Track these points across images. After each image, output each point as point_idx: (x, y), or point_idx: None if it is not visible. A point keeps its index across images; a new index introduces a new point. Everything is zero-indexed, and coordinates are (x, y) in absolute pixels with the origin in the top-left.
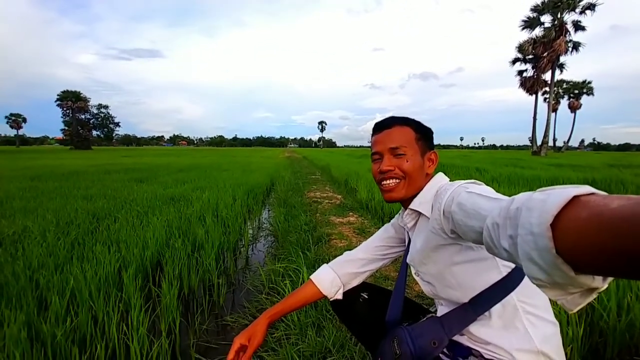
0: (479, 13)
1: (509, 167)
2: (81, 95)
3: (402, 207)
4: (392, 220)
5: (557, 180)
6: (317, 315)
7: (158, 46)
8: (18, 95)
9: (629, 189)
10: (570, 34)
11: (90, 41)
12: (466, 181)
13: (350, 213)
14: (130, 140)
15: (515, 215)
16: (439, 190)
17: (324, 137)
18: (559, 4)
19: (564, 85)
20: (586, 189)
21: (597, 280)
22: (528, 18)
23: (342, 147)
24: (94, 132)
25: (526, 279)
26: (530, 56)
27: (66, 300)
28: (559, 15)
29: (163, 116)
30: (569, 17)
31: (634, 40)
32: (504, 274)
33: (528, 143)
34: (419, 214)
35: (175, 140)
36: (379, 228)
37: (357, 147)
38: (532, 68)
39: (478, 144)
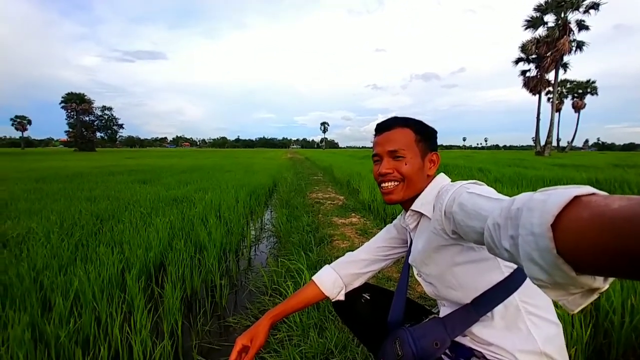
0: (481, 13)
1: (512, 167)
2: (85, 97)
3: (403, 209)
4: (394, 221)
5: (561, 180)
6: (319, 317)
7: (160, 48)
8: (22, 96)
9: (634, 190)
10: (574, 34)
11: (93, 43)
12: (467, 182)
13: (353, 214)
14: (133, 142)
15: (516, 216)
16: (440, 191)
17: (326, 138)
18: (563, 3)
19: (568, 85)
20: (587, 189)
21: (598, 281)
22: (531, 18)
23: (344, 147)
24: (98, 134)
25: (528, 280)
26: (534, 56)
27: (70, 302)
28: (562, 15)
29: (166, 117)
30: (572, 17)
31: (637, 39)
32: (506, 274)
33: (531, 143)
34: (421, 214)
35: (178, 141)
36: (381, 229)
37: (359, 147)
38: (536, 68)
39: (481, 144)
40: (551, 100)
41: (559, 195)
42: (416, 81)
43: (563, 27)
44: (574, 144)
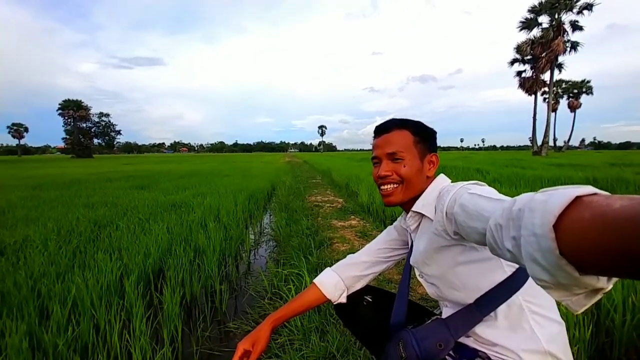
0: (476, 15)
1: (510, 167)
2: (82, 104)
3: (404, 210)
4: (394, 223)
5: (558, 179)
6: (320, 320)
7: (159, 54)
8: (20, 104)
9: (631, 188)
10: (568, 34)
11: (91, 50)
12: (468, 182)
13: (352, 216)
14: (131, 148)
15: (517, 216)
16: (441, 192)
17: (324, 141)
18: (557, 4)
19: (563, 85)
20: (588, 189)
21: (602, 281)
22: (526, 19)
23: (342, 150)
24: (95, 141)
25: (531, 279)
26: (529, 57)
27: (68, 309)
28: (556, 16)
29: (164, 123)
30: (566, 17)
31: (632, 38)
32: (509, 273)
33: (528, 143)
34: (422, 216)
35: (176, 147)
36: (381, 231)
37: (357, 150)
38: (531, 68)
39: (478, 145)
40: (547, 100)
41: (560, 196)
42: (413, 83)
43: (557, 28)
44: (570, 144)
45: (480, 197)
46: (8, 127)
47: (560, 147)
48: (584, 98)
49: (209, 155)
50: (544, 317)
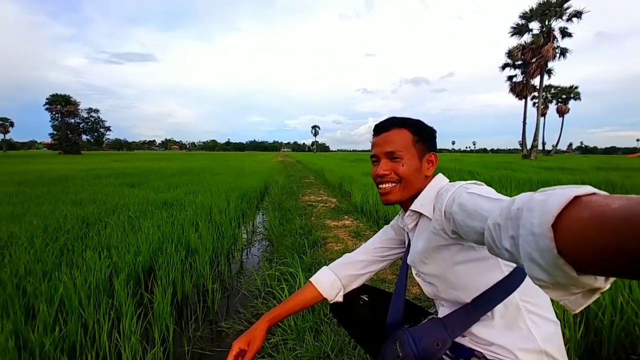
0: (469, 19)
1: (501, 170)
2: (71, 99)
3: (402, 209)
4: (391, 222)
5: (548, 182)
6: (314, 320)
7: (150, 50)
8: (5, 98)
9: (618, 192)
10: (557, 41)
11: (80, 44)
12: (467, 182)
13: (346, 216)
14: (121, 145)
15: (516, 216)
16: (439, 191)
17: (318, 141)
18: (547, 11)
19: (552, 90)
20: (587, 189)
21: (600, 281)
22: (517, 25)
23: (335, 151)
24: (84, 137)
25: (528, 278)
26: (520, 62)
27: (55, 309)
28: (546, 22)
29: (155, 120)
30: (556, 24)
31: (618, 46)
32: (506, 273)
33: (518, 147)
34: (420, 215)
35: (167, 144)
36: (375, 231)
37: (350, 151)
38: (522, 73)
39: (470, 147)
40: (536, 105)
41: (559, 195)
42: (406, 85)
43: (547, 34)
44: (558, 148)
45: (479, 196)
46: None
47: (549, 151)
48: (572, 103)
49: (201, 153)
50: (540, 317)
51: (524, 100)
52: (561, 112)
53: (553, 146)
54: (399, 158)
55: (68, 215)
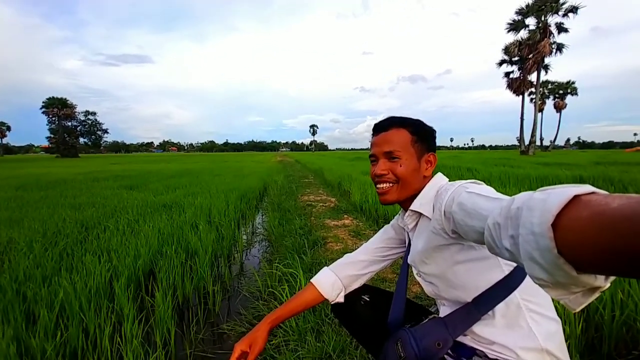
0: (465, 16)
1: (499, 166)
2: (67, 102)
3: (402, 209)
4: (391, 222)
5: (546, 178)
6: (316, 320)
7: (147, 52)
8: (1, 102)
9: (616, 186)
10: (554, 36)
11: (76, 47)
12: (466, 181)
13: (345, 216)
14: (119, 147)
15: (516, 215)
16: (439, 191)
17: (316, 141)
18: (543, 7)
19: (549, 86)
20: (587, 188)
21: (600, 280)
22: (513, 21)
23: (334, 150)
24: (81, 140)
25: (529, 277)
26: (516, 58)
27: (55, 314)
28: (543, 18)
29: (153, 122)
30: (552, 20)
31: (614, 41)
32: (507, 272)
33: (516, 143)
34: (420, 215)
35: (165, 146)
36: (374, 231)
37: (349, 149)
38: (519, 69)
39: (468, 144)
40: (534, 100)
41: (558, 195)
42: (403, 83)
43: (543, 30)
44: (556, 143)
45: (478, 195)
46: None
47: (547, 147)
48: (569, 99)
49: (199, 154)
50: (541, 315)
51: (521, 97)
52: (558, 108)
53: (551, 142)
54: (397, 158)
55: (67, 219)
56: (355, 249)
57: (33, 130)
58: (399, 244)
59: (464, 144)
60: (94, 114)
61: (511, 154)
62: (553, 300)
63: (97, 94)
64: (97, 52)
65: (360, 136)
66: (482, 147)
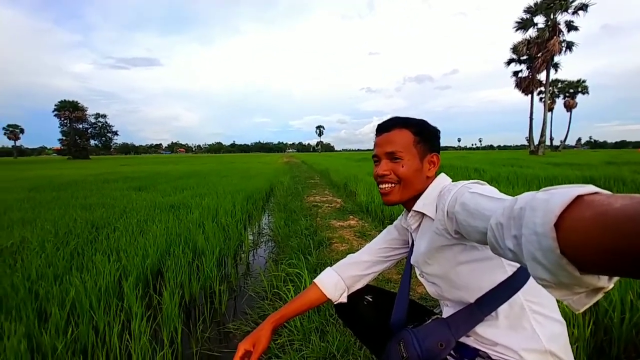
0: (472, 15)
1: (507, 167)
2: (79, 105)
3: (405, 209)
4: (394, 222)
5: (556, 178)
6: (320, 320)
7: (155, 54)
8: (15, 106)
9: (629, 187)
10: (563, 34)
11: (86, 50)
12: (469, 181)
13: (351, 216)
14: (128, 149)
15: (519, 215)
16: (442, 191)
17: (322, 142)
18: (552, 4)
19: (559, 85)
20: (590, 188)
21: (603, 280)
22: (522, 19)
23: (340, 150)
24: (92, 142)
25: (532, 278)
26: (525, 57)
27: (66, 311)
28: (552, 16)
29: (161, 124)
30: (561, 18)
31: (625, 39)
32: (510, 273)
33: (525, 143)
34: (423, 215)
35: (173, 147)
36: (380, 231)
37: (355, 150)
38: (527, 68)
39: (475, 144)
40: (543, 100)
41: (561, 195)
42: (410, 83)
43: (553, 28)
44: (566, 143)
45: (481, 196)
46: (3, 128)
47: (557, 147)
48: (579, 97)
49: (206, 155)
50: (545, 317)
51: (530, 96)
52: (569, 107)
53: (561, 141)
54: (399, 159)
55: (78, 219)
56: (359, 251)
57: (45, 133)
58: (402, 245)
59: (472, 144)
60: (104, 116)
61: (520, 154)
62: (558, 302)
63: (107, 96)
64: (107, 56)
65: (367, 137)
66: (491, 147)
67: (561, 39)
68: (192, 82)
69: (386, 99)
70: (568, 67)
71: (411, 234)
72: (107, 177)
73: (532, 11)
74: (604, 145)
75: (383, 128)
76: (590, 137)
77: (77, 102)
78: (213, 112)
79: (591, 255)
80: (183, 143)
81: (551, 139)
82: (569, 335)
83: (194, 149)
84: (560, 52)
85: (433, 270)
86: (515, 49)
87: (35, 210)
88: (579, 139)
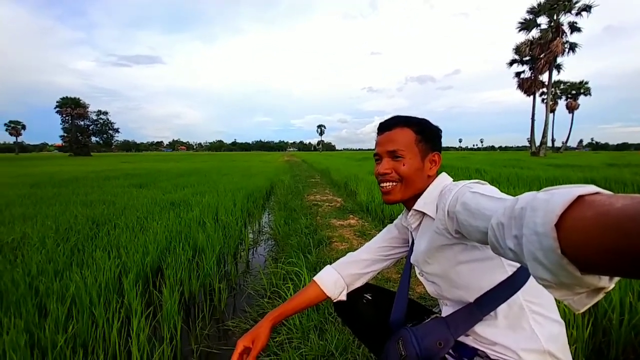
0: (474, 16)
1: (509, 167)
2: (80, 101)
3: (405, 208)
4: (395, 221)
5: (557, 180)
6: (319, 319)
7: (157, 52)
8: (17, 102)
9: (629, 188)
10: (566, 35)
11: (89, 48)
12: (470, 181)
13: (351, 216)
14: (129, 146)
15: (519, 215)
16: (443, 191)
17: (323, 141)
18: (555, 5)
19: (562, 86)
20: (591, 188)
21: (604, 280)
22: (524, 20)
23: (341, 150)
24: (93, 139)
25: (532, 278)
26: (527, 57)
27: (66, 307)
28: (555, 17)
29: (163, 121)
30: (565, 19)
31: (627, 40)
32: (510, 273)
33: (527, 144)
34: (423, 214)
35: (174, 145)
36: (380, 230)
37: (356, 150)
38: (530, 69)
39: (477, 145)
40: (545, 101)
41: (562, 195)
42: (411, 83)
43: (556, 29)
44: (568, 144)
45: (482, 195)
46: (5, 124)
47: (559, 148)
48: (581, 99)
49: (207, 154)
50: (544, 317)
51: (532, 97)
52: (571, 108)
53: (563, 143)
54: (400, 157)
55: (78, 216)
56: (359, 249)
57: (47, 130)
58: (402, 244)
59: (473, 145)
60: (105, 113)
61: (521, 155)
62: (558, 303)
63: (109, 94)
64: (110, 53)
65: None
66: (492, 148)
67: (564, 40)
68: (193, 80)
69: (388, 98)
70: (571, 69)
71: (411, 232)
72: (108, 174)
73: (535, 12)
74: (605, 147)
75: (385, 127)
76: (592, 139)
77: (78, 99)
78: (214, 111)
79: (592, 255)
80: (184, 141)
81: (553, 141)
82: (567, 336)
83: (195, 147)
84: (563, 53)
85: (433, 270)
86: (517, 50)
87: (36, 206)
88: (581, 141)
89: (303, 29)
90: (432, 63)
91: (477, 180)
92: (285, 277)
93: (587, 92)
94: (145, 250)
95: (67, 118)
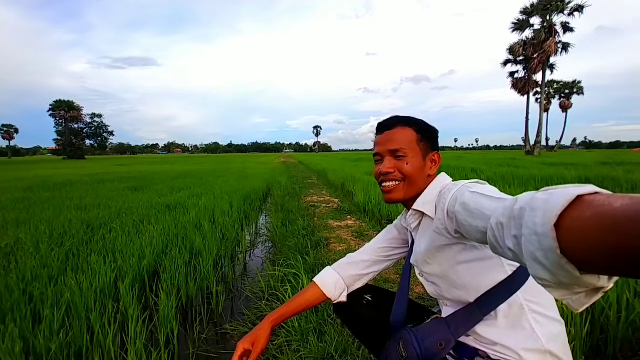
0: (469, 16)
1: (504, 167)
2: (74, 104)
3: (405, 208)
4: (394, 222)
5: (551, 178)
6: (318, 321)
7: (152, 54)
8: (9, 105)
9: (623, 186)
10: (559, 35)
11: (83, 50)
12: (470, 181)
13: (348, 217)
14: (124, 149)
15: (519, 215)
16: (442, 191)
17: (319, 142)
18: (548, 6)
19: (555, 86)
20: (590, 188)
21: (603, 280)
22: (518, 20)
23: (337, 151)
24: (88, 142)
25: (532, 278)
26: (521, 57)
27: (61, 313)
28: (548, 17)
29: (158, 124)
30: (557, 19)
31: (619, 40)
32: (509, 273)
33: (521, 143)
34: (423, 214)
35: (170, 147)
36: (378, 231)
37: (352, 150)
38: (523, 69)
39: (472, 145)
40: (539, 100)
41: (561, 195)
42: (407, 84)
43: (549, 30)
44: (562, 143)
45: (481, 195)
46: None
47: (553, 147)
48: (575, 98)
49: (203, 156)
50: (544, 316)
51: (526, 96)
52: (564, 108)
53: (557, 142)
54: (403, 156)
55: (73, 220)
56: (359, 250)
57: (40, 133)
58: (402, 244)
59: (469, 145)
60: (100, 116)
61: (516, 155)
62: (557, 301)
63: (104, 96)
64: (104, 56)
65: (364, 137)
66: (487, 147)
67: (557, 40)
68: (189, 82)
69: (383, 99)
70: (564, 68)
71: (411, 233)
72: (103, 177)
73: (528, 12)
74: (599, 145)
75: (385, 126)
76: (586, 138)
77: (72, 101)
78: (210, 113)
79: (591, 255)
80: (180, 143)
81: (547, 140)
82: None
83: (190, 149)
84: (556, 53)
85: (433, 270)
86: (511, 50)
87: (30, 210)
88: (574, 140)
89: (299, 30)
90: (427, 63)
91: (476, 180)
92: (283, 279)
93: (580, 91)
94: (142, 253)
95: (60, 121)
